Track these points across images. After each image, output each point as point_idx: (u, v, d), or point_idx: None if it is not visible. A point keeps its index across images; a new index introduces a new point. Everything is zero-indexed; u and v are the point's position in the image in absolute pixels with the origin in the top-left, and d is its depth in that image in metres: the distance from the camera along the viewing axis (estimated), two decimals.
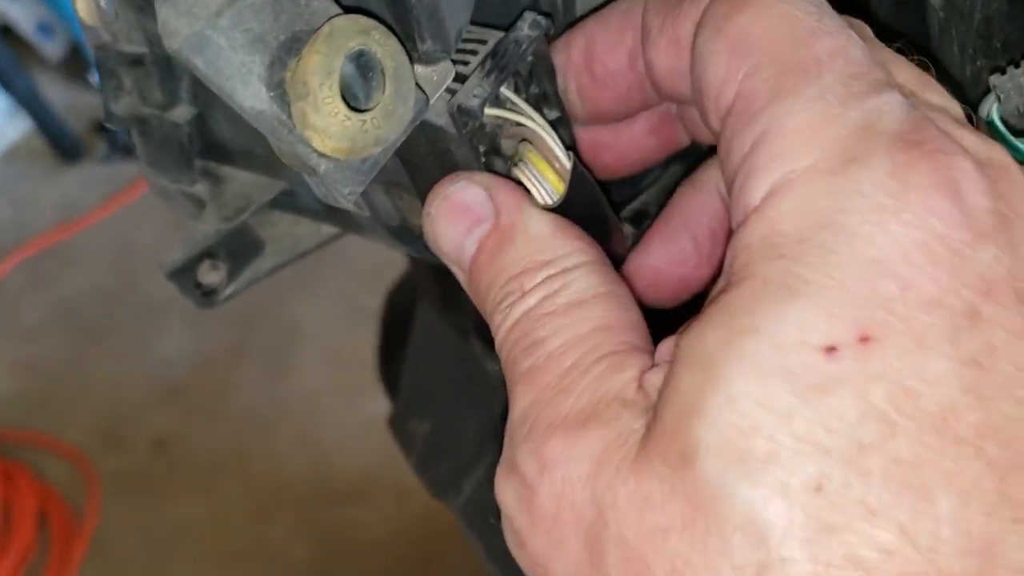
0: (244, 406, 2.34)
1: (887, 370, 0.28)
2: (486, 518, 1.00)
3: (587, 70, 0.48)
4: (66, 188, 2.69)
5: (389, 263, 1.28)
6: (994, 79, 0.52)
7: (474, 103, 0.45)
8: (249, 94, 0.37)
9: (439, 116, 0.47)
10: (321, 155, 0.38)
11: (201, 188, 0.62)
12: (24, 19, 2.85)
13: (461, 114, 0.46)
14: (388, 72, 0.39)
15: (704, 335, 0.31)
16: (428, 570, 2.00)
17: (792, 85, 0.31)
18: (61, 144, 2.72)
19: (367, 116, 0.38)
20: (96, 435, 2.36)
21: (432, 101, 0.44)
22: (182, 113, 0.57)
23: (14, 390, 2.45)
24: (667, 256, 0.49)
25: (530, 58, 0.50)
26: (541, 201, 0.49)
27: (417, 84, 0.41)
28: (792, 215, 0.30)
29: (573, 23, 0.54)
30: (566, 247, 0.41)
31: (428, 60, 0.45)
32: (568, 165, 0.48)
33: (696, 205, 0.47)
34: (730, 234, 0.33)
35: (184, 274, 0.60)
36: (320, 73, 0.37)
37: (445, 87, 0.45)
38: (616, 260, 0.56)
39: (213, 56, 0.37)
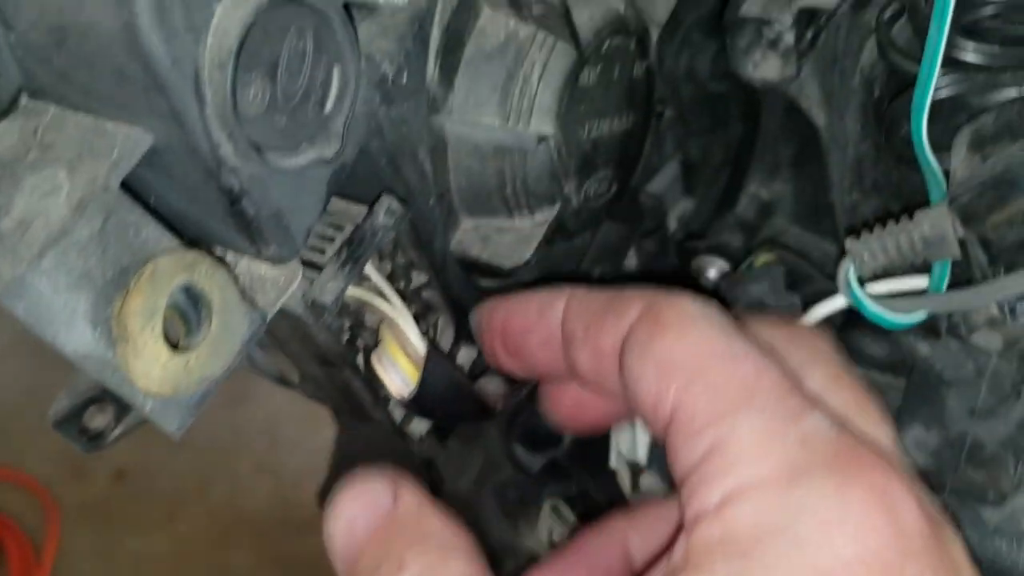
0: (204, 436, 2.34)
1: None
2: None
3: (502, 344, 0.51)
4: None
5: None
6: (849, 243, 0.53)
7: (328, 298, 0.46)
8: (74, 337, 0.38)
9: (296, 304, 0.47)
10: (147, 394, 0.38)
11: None
12: None
13: (316, 309, 0.46)
14: (215, 306, 0.39)
15: None
16: None
17: (729, 405, 0.37)
18: None
19: (191, 355, 0.38)
20: (56, 465, 2.36)
21: (276, 307, 0.45)
22: None
23: None
24: None
25: (388, 242, 0.50)
26: (395, 393, 0.50)
27: (252, 301, 0.42)
28: (749, 520, 0.35)
29: (442, 194, 0.55)
30: (452, 542, 0.42)
31: (276, 261, 0.45)
32: (422, 352, 0.49)
33: (598, 546, 0.50)
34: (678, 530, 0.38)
35: (70, 422, 0.60)
36: (141, 315, 0.37)
37: (291, 290, 0.46)
38: (477, 420, 0.56)
39: (34, 302, 0.38)
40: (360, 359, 0.51)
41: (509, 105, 0.55)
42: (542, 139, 0.55)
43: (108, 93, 0.39)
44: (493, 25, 0.55)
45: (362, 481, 0.44)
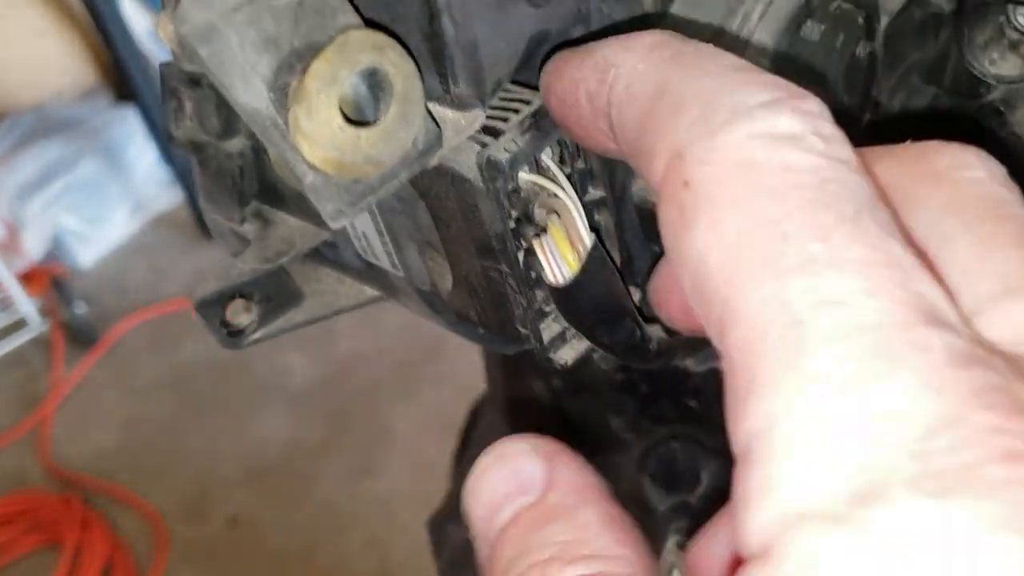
0: (322, 499, 2.33)
1: None
2: None
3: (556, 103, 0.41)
4: (201, 261, 2.79)
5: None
6: None
7: (503, 157, 0.43)
8: (248, 92, 0.36)
9: (468, 169, 0.44)
10: (310, 166, 0.36)
11: (249, 228, 0.61)
12: None
13: (489, 167, 0.43)
14: (396, 93, 0.37)
15: None
16: None
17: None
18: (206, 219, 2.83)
19: (363, 132, 0.36)
20: (177, 501, 2.38)
21: (453, 145, 0.42)
22: (237, 145, 0.56)
23: (113, 443, 2.51)
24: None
25: None
26: (552, 278, 0.46)
27: (433, 118, 0.39)
28: None
29: None
30: (612, 548, 0.32)
31: (459, 105, 0.43)
32: (588, 244, 0.45)
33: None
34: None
35: (212, 307, 0.59)
36: (322, 80, 0.35)
37: (472, 134, 0.43)
38: (628, 351, 0.52)
39: (219, 48, 0.36)
40: (522, 258, 0.47)
41: (724, 42, 0.52)
42: None
43: None
44: None
45: (512, 451, 0.36)
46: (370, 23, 0.39)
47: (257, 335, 0.61)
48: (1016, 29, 0.55)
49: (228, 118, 0.55)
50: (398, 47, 0.37)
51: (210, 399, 2.56)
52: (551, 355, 0.52)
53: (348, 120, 0.35)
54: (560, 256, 0.45)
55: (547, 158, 0.48)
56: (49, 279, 2.69)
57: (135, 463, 2.48)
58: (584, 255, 0.45)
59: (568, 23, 0.47)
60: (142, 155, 2.83)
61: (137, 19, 2.81)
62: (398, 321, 2.58)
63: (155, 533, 2.30)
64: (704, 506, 0.77)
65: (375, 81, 0.37)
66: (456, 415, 2.32)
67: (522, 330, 0.51)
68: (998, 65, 0.56)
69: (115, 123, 2.85)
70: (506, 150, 0.43)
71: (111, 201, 2.80)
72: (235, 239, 0.63)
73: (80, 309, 2.67)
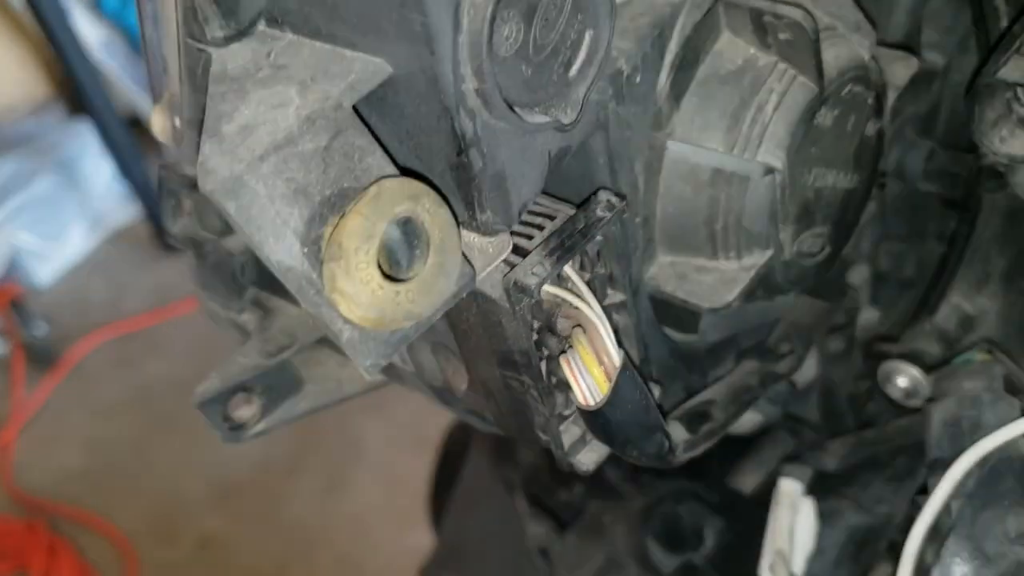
0: (293, 517, 2.30)
1: None
2: None
3: None
4: (162, 276, 2.74)
5: None
6: None
7: (532, 281, 0.42)
8: (280, 248, 0.35)
9: (493, 288, 0.43)
10: (347, 321, 0.35)
11: (248, 318, 0.60)
12: None
13: (516, 290, 0.42)
14: (434, 243, 0.36)
15: None
16: None
17: None
18: (166, 233, 2.78)
19: (402, 288, 0.35)
20: (145, 524, 2.34)
21: (483, 276, 0.41)
22: (237, 243, 0.55)
23: (78, 466, 2.47)
24: None
25: (599, 238, 0.46)
26: (583, 401, 0.45)
27: (466, 257, 0.38)
28: None
29: (647, 219, 0.51)
30: None
31: (486, 231, 0.42)
32: (617, 363, 0.45)
33: None
34: None
35: (215, 405, 0.57)
36: (359, 237, 0.34)
37: (500, 260, 0.42)
38: (656, 460, 0.51)
39: (247, 204, 0.35)
40: (544, 367, 0.47)
41: (738, 132, 0.51)
42: (769, 171, 0.51)
43: (356, 10, 0.37)
44: (732, 49, 0.52)
45: None
46: (401, 168, 0.38)
47: (259, 427, 0.60)
48: (1019, 116, 0.55)
49: None
50: (433, 194, 0.36)
51: (176, 417, 2.51)
52: (572, 459, 0.51)
53: (386, 276, 0.34)
54: (590, 376, 0.44)
55: (568, 267, 0.47)
56: (7, 300, 2.63)
57: (101, 486, 2.43)
58: (614, 374, 0.44)
59: (588, 133, 0.46)
60: (98, 170, 2.78)
61: (89, 31, 2.74)
62: None
63: (124, 557, 2.26)
64: (710, 566, 0.77)
65: (410, 229, 0.36)
66: (427, 429, 2.32)
67: (542, 436, 0.50)
68: (1008, 143, 0.56)
69: (70, 138, 2.79)
70: (534, 274, 0.42)
71: (68, 218, 2.75)
72: (234, 329, 0.61)
73: (40, 330, 2.61)
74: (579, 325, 0.45)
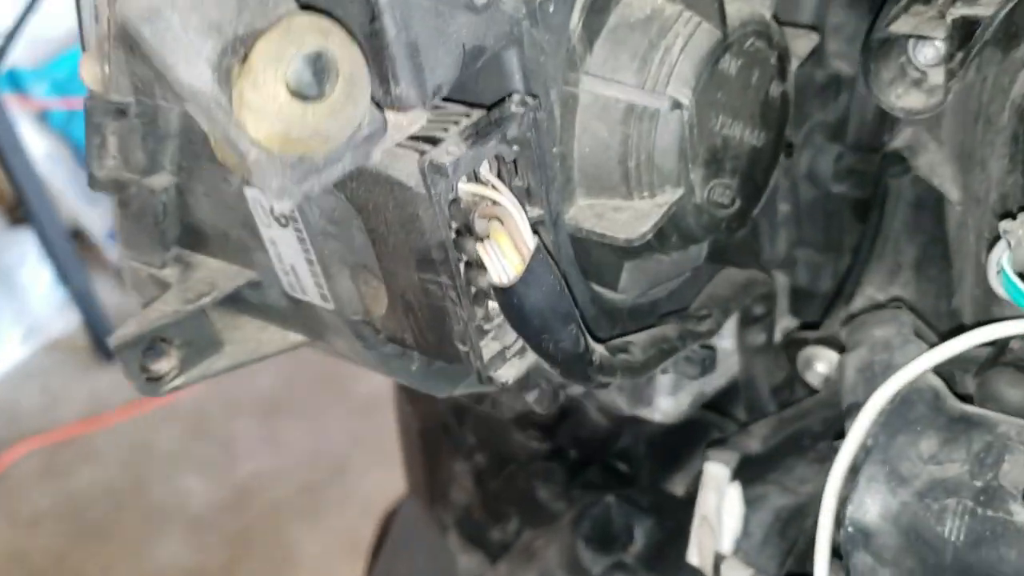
0: None
1: None
2: None
3: None
4: (97, 385, 2.70)
5: (396, 498, 1.23)
6: (1004, 224, 0.49)
7: (447, 159, 0.43)
8: (191, 72, 0.36)
9: (409, 176, 0.45)
10: (254, 142, 0.36)
11: (170, 272, 0.60)
12: (96, 224, 2.97)
13: (432, 170, 0.43)
14: (343, 74, 0.37)
15: None
16: None
17: None
18: (102, 343, 2.75)
19: (310, 107, 0.36)
20: None
21: (394, 139, 0.42)
22: (161, 180, 0.55)
23: None
24: None
25: (515, 146, 0.48)
26: (497, 279, 0.46)
27: (379, 107, 0.40)
28: None
29: (564, 157, 0.53)
30: None
31: (400, 107, 0.43)
32: (531, 246, 0.46)
33: None
34: None
35: (132, 350, 0.57)
36: (267, 58, 0.35)
37: (411, 143, 0.43)
38: (572, 362, 0.51)
39: (161, 31, 0.36)
40: (463, 273, 0.47)
41: (647, 72, 0.54)
42: (676, 105, 0.53)
43: None
44: (639, 0, 0.55)
45: None
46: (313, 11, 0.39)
47: (177, 382, 0.59)
48: (916, 68, 0.58)
49: (153, 151, 0.54)
50: (342, 31, 0.38)
51: (105, 527, 2.43)
52: (492, 373, 0.51)
53: (294, 95, 0.35)
54: (504, 256, 0.45)
55: (486, 171, 0.48)
56: None
57: None
58: (528, 256, 0.45)
59: (501, 43, 0.48)
60: (36, 277, 2.76)
61: (36, 142, 2.77)
62: (301, 440, 2.52)
63: None
64: (640, 564, 0.76)
65: (319, 67, 0.37)
66: (363, 536, 2.26)
67: (461, 347, 0.50)
68: (903, 100, 0.59)
69: (9, 246, 2.78)
70: (448, 153, 0.44)
71: (3, 325, 2.71)
72: (154, 285, 0.61)
73: None
74: (496, 218, 0.46)
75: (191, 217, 0.58)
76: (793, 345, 0.74)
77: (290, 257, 0.54)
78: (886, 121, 0.73)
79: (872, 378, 0.58)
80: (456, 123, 0.46)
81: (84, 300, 2.73)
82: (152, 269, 0.60)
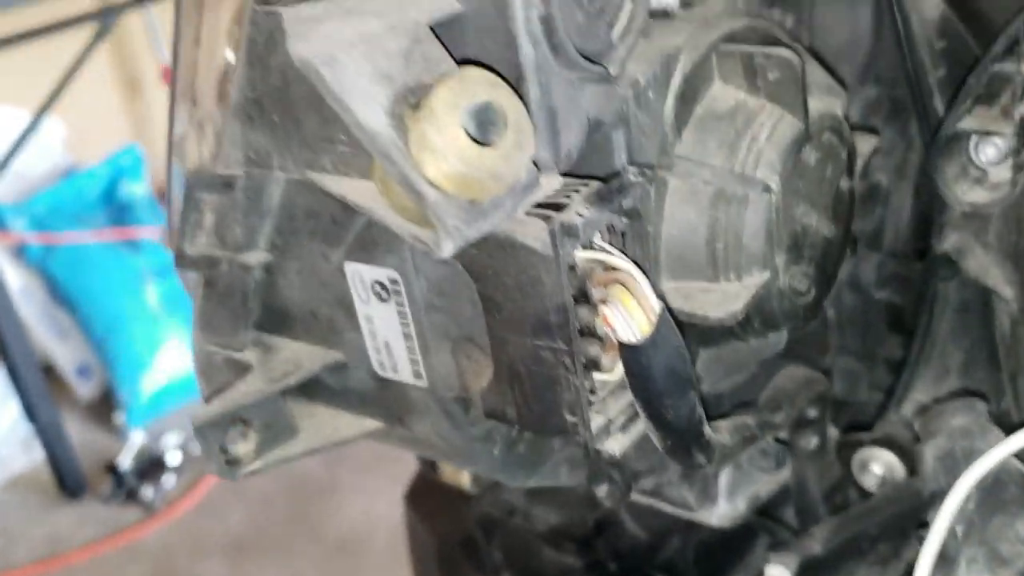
0: None
1: None
2: None
3: None
4: (59, 524, 2.60)
5: None
6: None
7: (577, 221, 0.44)
8: (368, 115, 0.37)
9: (534, 240, 0.45)
10: (431, 184, 0.36)
11: (250, 355, 0.59)
12: (66, 359, 2.93)
13: (562, 232, 0.44)
14: (511, 123, 0.38)
15: None
16: None
17: None
18: (66, 480, 2.68)
19: (486, 150, 0.37)
20: None
21: (539, 197, 0.43)
22: (256, 257, 0.56)
23: None
24: None
25: (625, 219, 0.49)
26: (626, 337, 0.46)
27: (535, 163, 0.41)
28: None
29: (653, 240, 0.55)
30: None
31: (537, 167, 0.45)
32: (657, 308, 0.46)
33: None
34: None
35: (212, 431, 0.56)
36: (446, 103, 0.36)
37: (537, 211, 0.44)
38: (685, 437, 0.51)
39: (339, 74, 0.37)
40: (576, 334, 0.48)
41: (736, 158, 0.56)
42: (766, 189, 0.55)
43: None
44: (724, 93, 0.58)
45: None
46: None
47: (255, 465, 0.58)
48: (976, 166, 0.61)
49: (252, 227, 0.55)
50: (508, 87, 0.39)
51: None
52: (599, 446, 0.51)
53: (472, 139, 0.36)
54: (632, 317, 0.45)
55: (598, 240, 0.49)
56: None
57: None
58: (655, 317, 0.46)
59: (613, 121, 0.50)
60: (2, 411, 2.69)
61: (12, 275, 2.75)
62: None
63: None
64: None
65: (490, 116, 0.38)
66: None
67: (570, 417, 0.50)
68: (968, 195, 0.61)
69: None
70: (579, 216, 0.45)
71: None
72: (228, 370, 0.60)
73: None
74: (615, 282, 0.47)
75: (276, 298, 0.58)
76: (847, 447, 0.74)
77: (385, 333, 0.54)
78: (922, 229, 0.76)
79: (954, 465, 0.58)
80: (577, 191, 0.47)
81: (50, 436, 2.66)
82: (231, 352, 0.59)
